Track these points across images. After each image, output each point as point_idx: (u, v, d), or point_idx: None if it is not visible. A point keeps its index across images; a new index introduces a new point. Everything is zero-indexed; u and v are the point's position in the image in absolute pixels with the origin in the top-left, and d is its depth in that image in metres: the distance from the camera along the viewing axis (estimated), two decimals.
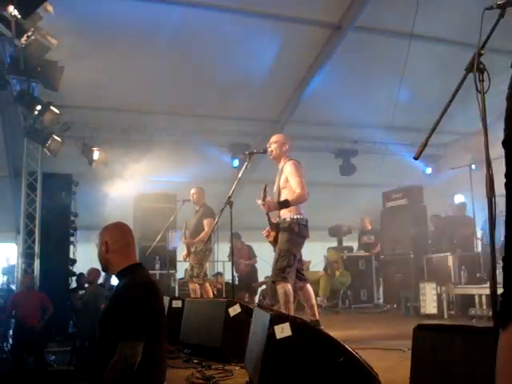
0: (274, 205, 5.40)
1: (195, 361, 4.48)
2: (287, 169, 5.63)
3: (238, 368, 4.04)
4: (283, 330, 2.94)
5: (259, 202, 5.34)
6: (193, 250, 8.13)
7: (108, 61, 9.12)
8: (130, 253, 3.23)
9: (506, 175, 1.16)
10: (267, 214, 5.55)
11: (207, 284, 8.39)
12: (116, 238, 3.19)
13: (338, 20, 9.65)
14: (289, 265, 5.41)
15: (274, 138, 5.94)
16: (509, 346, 1.06)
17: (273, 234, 5.61)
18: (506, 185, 1.16)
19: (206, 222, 8.07)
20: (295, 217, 5.51)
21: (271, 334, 2.98)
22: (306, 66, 10.70)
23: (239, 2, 9.12)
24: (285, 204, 5.42)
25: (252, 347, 3.59)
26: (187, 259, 8.42)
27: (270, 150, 5.86)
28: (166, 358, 3.26)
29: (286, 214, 5.54)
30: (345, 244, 12.91)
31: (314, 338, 3.03)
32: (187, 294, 8.48)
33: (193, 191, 8.46)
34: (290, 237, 5.49)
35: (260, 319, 3.48)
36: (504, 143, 1.17)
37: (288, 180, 5.59)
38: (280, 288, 5.40)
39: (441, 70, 10.31)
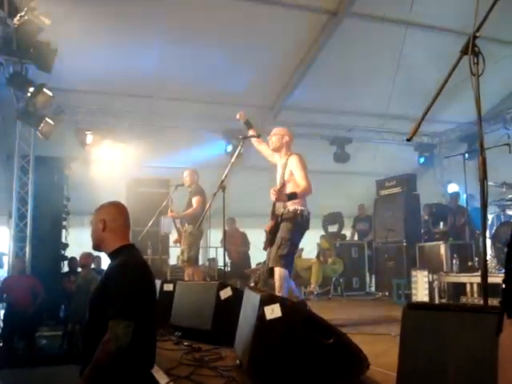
0: (284, 196, 5.55)
1: (185, 343, 4.46)
2: (292, 163, 5.78)
3: (228, 350, 4.03)
4: (273, 311, 2.93)
5: (272, 190, 5.49)
6: (183, 231, 8.11)
7: (103, 44, 9.03)
8: (125, 233, 3.22)
9: None
10: (274, 203, 5.75)
11: (199, 267, 8.39)
12: (114, 216, 3.18)
13: (334, 6, 9.59)
14: (289, 253, 5.60)
15: (274, 131, 6.11)
16: None
17: (271, 223, 5.80)
18: None
19: (194, 200, 8.04)
20: (299, 208, 5.69)
21: (261, 314, 2.96)
22: (302, 52, 10.64)
23: None
24: (292, 196, 5.58)
25: (242, 329, 3.59)
26: (178, 244, 8.40)
27: (270, 142, 6.05)
28: (156, 340, 3.25)
29: (290, 205, 5.70)
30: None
31: (304, 319, 3.02)
32: (179, 279, 8.46)
33: (185, 174, 8.39)
34: (293, 227, 5.67)
35: (250, 300, 3.47)
36: None
37: (293, 173, 5.74)
38: (277, 271, 5.55)
39: (437, 58, 10.27)
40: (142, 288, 2.95)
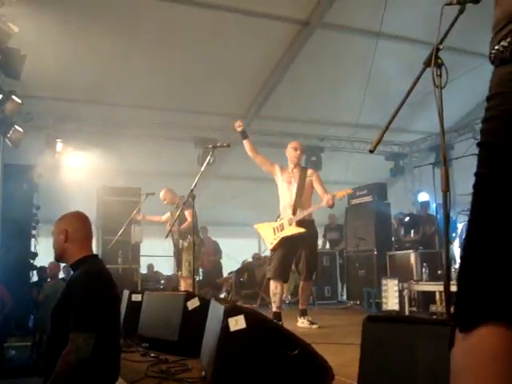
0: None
1: (152, 354, 4.41)
2: (313, 176, 6.60)
3: (195, 361, 3.99)
4: (237, 323, 2.92)
5: (331, 196, 6.21)
6: (181, 246, 8.14)
7: (73, 50, 8.97)
8: (87, 244, 3.18)
9: (480, 175, 1.10)
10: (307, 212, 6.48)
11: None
12: (76, 227, 3.13)
13: (306, 16, 9.67)
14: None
15: (298, 146, 6.94)
16: (473, 352, 1.03)
17: (294, 223, 6.40)
18: (477, 185, 1.10)
19: (187, 213, 8.06)
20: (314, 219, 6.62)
21: (225, 326, 2.95)
22: (274, 61, 10.69)
23: None
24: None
25: (207, 340, 3.56)
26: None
27: (295, 154, 6.77)
28: (120, 351, 3.21)
29: (310, 216, 6.55)
30: None
31: (269, 330, 3.01)
32: (150, 289, 8.42)
33: (161, 195, 8.52)
34: (317, 243, 6.83)
35: (215, 312, 3.45)
36: (482, 143, 1.11)
37: (311, 185, 6.53)
38: (310, 284, 6.84)
39: (408, 69, 10.37)
40: (104, 298, 2.91)
